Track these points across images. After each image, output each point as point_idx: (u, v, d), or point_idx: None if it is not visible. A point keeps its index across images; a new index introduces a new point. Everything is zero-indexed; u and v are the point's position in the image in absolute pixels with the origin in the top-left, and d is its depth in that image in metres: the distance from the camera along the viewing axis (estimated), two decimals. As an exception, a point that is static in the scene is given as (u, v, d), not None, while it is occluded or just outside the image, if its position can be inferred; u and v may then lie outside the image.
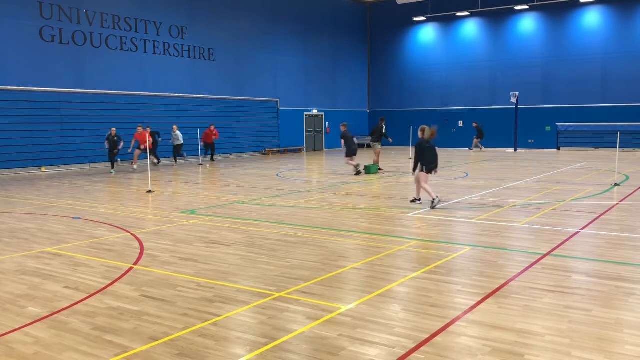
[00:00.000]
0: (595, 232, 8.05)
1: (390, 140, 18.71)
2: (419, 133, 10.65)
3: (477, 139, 30.50)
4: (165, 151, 22.41)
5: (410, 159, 23.45)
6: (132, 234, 8.18)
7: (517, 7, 30.70)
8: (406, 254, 6.81)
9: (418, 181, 10.77)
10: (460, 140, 32.96)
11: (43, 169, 19.41)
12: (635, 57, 28.35)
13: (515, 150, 30.20)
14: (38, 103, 19.19)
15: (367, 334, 4.23)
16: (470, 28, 33.01)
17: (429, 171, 10.60)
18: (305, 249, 7.12)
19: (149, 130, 19.54)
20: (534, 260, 6.35)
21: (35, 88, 19.08)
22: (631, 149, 27.95)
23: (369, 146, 24.10)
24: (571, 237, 7.67)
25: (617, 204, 10.62)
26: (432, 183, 14.40)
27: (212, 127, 22.78)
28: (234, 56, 26.87)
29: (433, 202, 10.35)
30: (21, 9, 18.61)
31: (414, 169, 10.73)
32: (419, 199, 11.01)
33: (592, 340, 4.06)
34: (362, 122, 36.61)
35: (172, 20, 23.75)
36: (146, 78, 22.82)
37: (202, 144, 22.76)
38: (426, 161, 10.53)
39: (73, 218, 9.65)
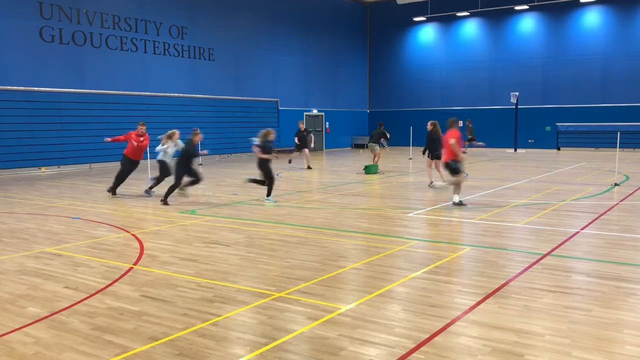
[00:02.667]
0: (595, 232, 8.05)
1: (389, 137, 18.67)
2: (430, 126, 13.46)
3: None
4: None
5: (411, 159, 23.51)
6: (132, 234, 8.18)
7: (517, 7, 30.69)
8: (406, 254, 6.81)
9: (437, 168, 13.46)
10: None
11: (43, 169, 19.41)
12: (635, 57, 28.34)
13: (515, 150, 30.19)
14: (38, 103, 19.18)
15: (367, 334, 4.23)
16: (470, 28, 33.00)
17: (432, 158, 13.43)
18: (305, 249, 7.12)
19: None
20: (534, 260, 6.35)
21: (35, 88, 19.08)
22: (631, 149, 27.95)
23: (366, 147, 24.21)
24: (571, 237, 7.67)
25: (617, 204, 10.62)
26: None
27: (142, 127, 12.44)
28: (234, 56, 26.87)
29: (430, 184, 13.33)
30: (21, 9, 18.60)
31: (423, 152, 13.86)
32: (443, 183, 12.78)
33: (592, 340, 4.06)
34: (362, 122, 36.61)
35: (172, 20, 23.74)
36: (146, 78, 22.81)
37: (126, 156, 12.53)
38: (430, 149, 13.42)
39: (73, 218, 9.65)
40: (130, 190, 13.67)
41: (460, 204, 10.35)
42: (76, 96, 20.31)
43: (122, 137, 12.41)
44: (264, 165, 11.06)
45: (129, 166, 12.36)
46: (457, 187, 10.46)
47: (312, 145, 19.53)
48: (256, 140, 11.12)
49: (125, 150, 12.34)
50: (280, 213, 9.98)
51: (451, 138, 10.20)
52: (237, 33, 26.92)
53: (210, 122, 25.44)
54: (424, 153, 13.88)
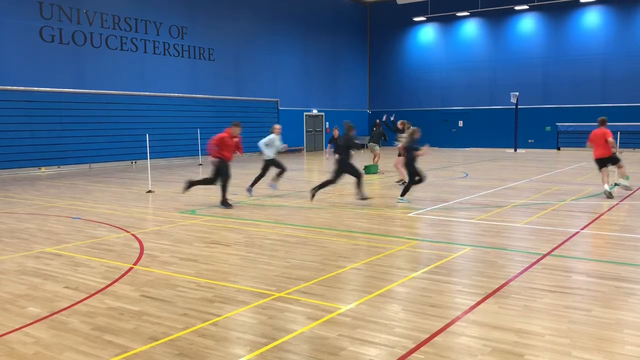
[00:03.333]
0: (595, 232, 8.05)
1: (386, 139, 18.66)
2: (400, 125, 14.38)
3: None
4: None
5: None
6: (132, 234, 8.18)
7: (517, 7, 30.70)
8: (406, 254, 6.81)
9: (398, 165, 14.00)
10: (460, 140, 32.99)
11: (43, 169, 19.42)
12: (635, 57, 28.35)
13: (515, 150, 30.20)
14: (38, 103, 19.18)
15: (367, 334, 4.23)
16: (470, 28, 33.00)
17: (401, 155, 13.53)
18: (305, 249, 7.12)
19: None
20: (534, 260, 6.35)
21: (35, 88, 19.08)
22: (631, 149, 27.95)
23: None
24: (571, 237, 7.67)
25: (617, 204, 10.62)
26: (433, 183, 14.42)
27: (238, 129, 11.02)
28: (234, 56, 26.87)
29: (399, 182, 14.18)
30: (21, 9, 18.60)
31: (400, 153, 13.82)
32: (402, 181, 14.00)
33: (592, 340, 4.06)
34: (362, 122, 36.60)
35: (172, 20, 23.75)
36: (146, 78, 22.81)
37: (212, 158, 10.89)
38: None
39: (73, 218, 9.65)
40: (130, 189, 13.65)
41: (611, 192, 11.27)
42: (76, 96, 20.31)
43: (214, 142, 10.67)
44: (411, 164, 11.16)
45: (226, 169, 10.86)
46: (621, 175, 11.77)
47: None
48: (401, 141, 11.31)
49: (225, 154, 10.78)
50: (280, 213, 9.98)
51: (608, 135, 11.46)
52: (237, 33, 26.92)
53: (210, 122, 25.45)
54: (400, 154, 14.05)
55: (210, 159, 10.81)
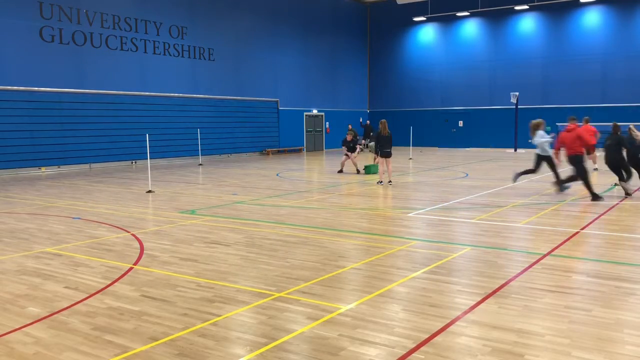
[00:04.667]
0: (595, 232, 8.05)
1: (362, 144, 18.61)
2: (380, 125, 14.01)
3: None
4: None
5: (411, 159, 23.53)
6: (132, 234, 8.18)
7: (517, 7, 30.70)
8: (406, 254, 6.81)
9: (388, 165, 14.00)
10: (460, 140, 32.97)
11: (43, 169, 19.41)
12: (635, 57, 28.34)
13: (515, 150, 30.20)
14: (38, 103, 19.18)
15: (367, 334, 4.23)
16: (470, 28, 33.00)
17: (383, 155, 13.88)
18: (305, 249, 7.12)
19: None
20: (534, 260, 6.35)
21: (35, 88, 19.08)
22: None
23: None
24: (571, 237, 7.67)
25: (617, 204, 10.62)
26: (433, 183, 14.42)
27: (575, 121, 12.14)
28: (234, 56, 26.87)
29: (380, 183, 14.04)
30: (21, 9, 18.60)
31: (375, 152, 14.51)
32: (381, 182, 14.07)
33: (592, 340, 4.06)
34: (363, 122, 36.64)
35: (172, 20, 23.75)
36: (146, 78, 22.81)
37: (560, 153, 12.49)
38: (381, 147, 13.84)
39: (73, 218, 9.65)
40: (130, 189, 13.65)
41: None
42: (76, 96, 20.31)
43: (587, 137, 11.31)
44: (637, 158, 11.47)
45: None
46: None
47: (356, 154, 18.37)
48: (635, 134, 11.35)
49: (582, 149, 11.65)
50: (280, 213, 9.98)
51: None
52: (237, 33, 26.92)
53: (210, 122, 25.47)
54: (376, 152, 14.46)
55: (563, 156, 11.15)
